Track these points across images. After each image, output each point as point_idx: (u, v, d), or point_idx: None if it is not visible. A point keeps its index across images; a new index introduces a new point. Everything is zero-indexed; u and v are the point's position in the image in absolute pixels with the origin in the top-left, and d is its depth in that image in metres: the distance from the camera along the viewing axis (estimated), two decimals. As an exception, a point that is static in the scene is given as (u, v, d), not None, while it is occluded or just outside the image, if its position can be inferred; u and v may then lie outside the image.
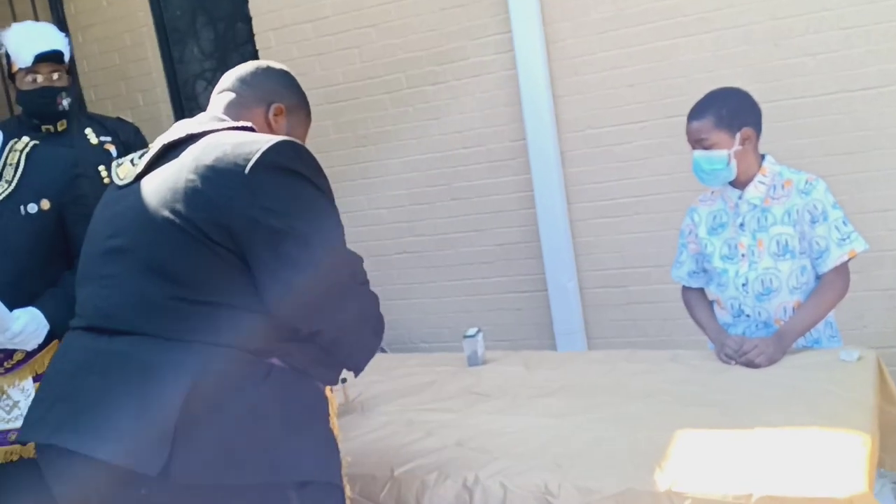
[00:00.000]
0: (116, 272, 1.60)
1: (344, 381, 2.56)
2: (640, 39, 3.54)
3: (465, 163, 3.99)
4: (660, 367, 2.43)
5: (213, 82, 4.61)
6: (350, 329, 1.65)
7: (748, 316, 2.41)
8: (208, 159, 1.55)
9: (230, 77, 1.82)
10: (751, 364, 2.25)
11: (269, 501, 1.57)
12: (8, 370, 2.48)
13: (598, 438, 2.00)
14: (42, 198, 2.54)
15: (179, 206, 1.53)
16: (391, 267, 4.23)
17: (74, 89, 3.32)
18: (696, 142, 2.38)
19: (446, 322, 4.17)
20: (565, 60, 3.69)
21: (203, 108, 4.69)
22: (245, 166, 1.52)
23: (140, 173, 1.64)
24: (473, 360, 2.69)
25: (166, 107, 4.61)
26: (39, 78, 3.19)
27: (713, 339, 2.45)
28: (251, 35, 4.34)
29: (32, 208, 2.56)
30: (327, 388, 1.76)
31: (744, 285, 2.39)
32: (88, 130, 3.40)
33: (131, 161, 1.67)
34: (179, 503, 1.51)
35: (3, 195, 2.55)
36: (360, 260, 1.67)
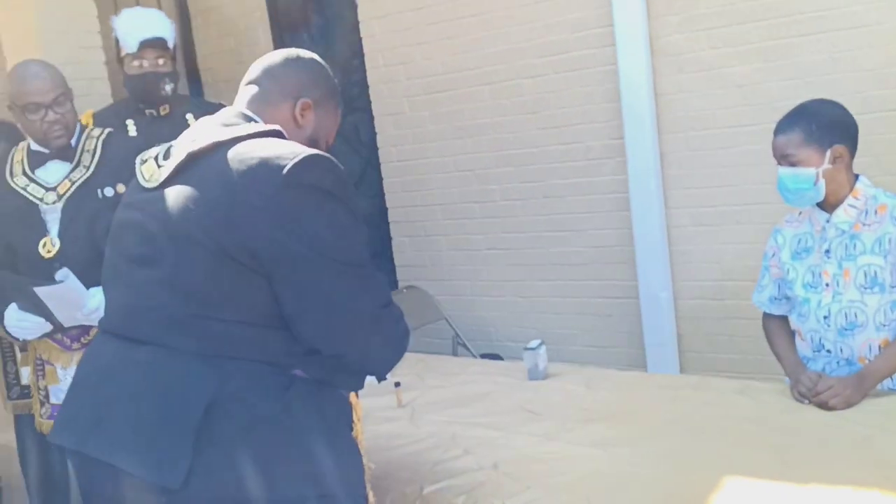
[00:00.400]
0: (141, 282, 1.59)
1: (397, 384, 2.52)
2: (751, 37, 3.29)
3: (560, 160, 3.85)
4: (726, 399, 2.25)
5: (319, 68, 4.66)
6: (370, 351, 1.60)
7: (829, 351, 2.19)
8: (233, 177, 1.51)
9: (258, 68, 1.76)
10: (824, 406, 2.05)
11: None
12: (84, 346, 2.60)
13: (638, 477, 1.87)
14: (118, 182, 2.63)
15: (204, 225, 1.51)
16: (480, 263, 4.16)
17: (177, 75, 3.39)
18: (782, 157, 2.17)
19: (533, 322, 4.07)
20: (670, 57, 3.48)
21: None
22: (270, 186, 1.48)
23: (166, 180, 1.63)
24: (534, 374, 2.59)
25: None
26: (145, 63, 3.29)
27: (788, 374, 2.25)
28: (357, 23, 4.34)
29: (109, 192, 2.65)
30: (352, 395, 1.72)
31: (826, 318, 2.17)
32: (189, 115, 3.48)
33: (156, 161, 1.66)
34: None
35: (82, 180, 2.65)
36: (382, 281, 1.60)
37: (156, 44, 3.31)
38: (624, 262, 3.77)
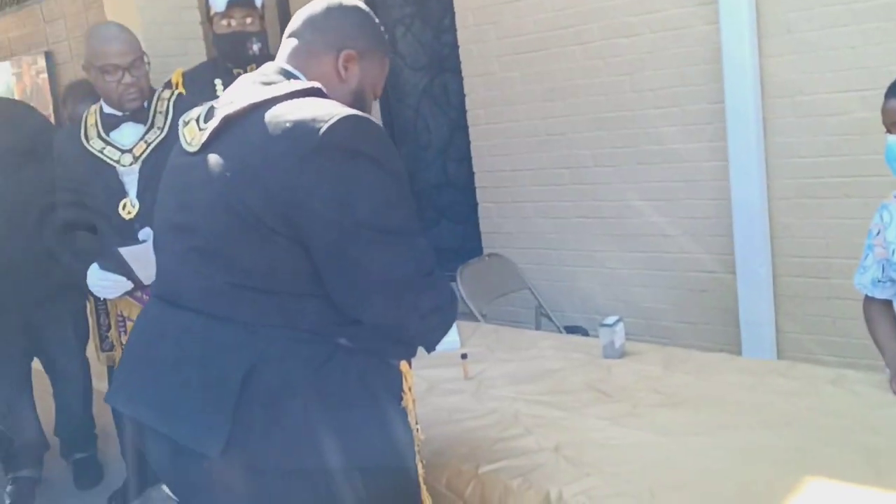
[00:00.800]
0: (182, 250, 1.56)
1: (464, 356, 2.44)
2: (868, -8, 2.99)
3: (656, 124, 3.64)
4: (815, 388, 2.07)
5: (410, 28, 4.57)
6: (411, 321, 1.53)
7: (937, 342, 1.97)
8: (268, 141, 1.44)
9: (299, 18, 1.66)
10: (927, 404, 1.85)
11: (332, 486, 1.49)
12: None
13: (708, 471, 1.73)
14: None
15: (238, 192, 1.45)
16: (570, 231, 4.00)
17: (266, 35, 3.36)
18: (893, 124, 1.95)
19: (621, 295, 3.89)
20: (777, 15, 3.20)
21: (400, 54, 4.64)
22: (304, 150, 1.40)
23: (204, 144, 1.57)
24: (609, 352, 2.45)
25: (366, 51, 4.63)
26: (233, 22, 3.27)
27: (889, 364, 2.04)
28: (448, -21, 4.21)
29: None
30: (403, 364, 1.63)
31: (934, 305, 1.95)
32: (278, 75, 3.46)
33: (198, 122, 1.60)
34: (240, 482, 1.48)
35: (157, 141, 2.65)
36: (425, 248, 1.50)
37: (244, 3, 3.29)
38: (721, 234, 3.55)
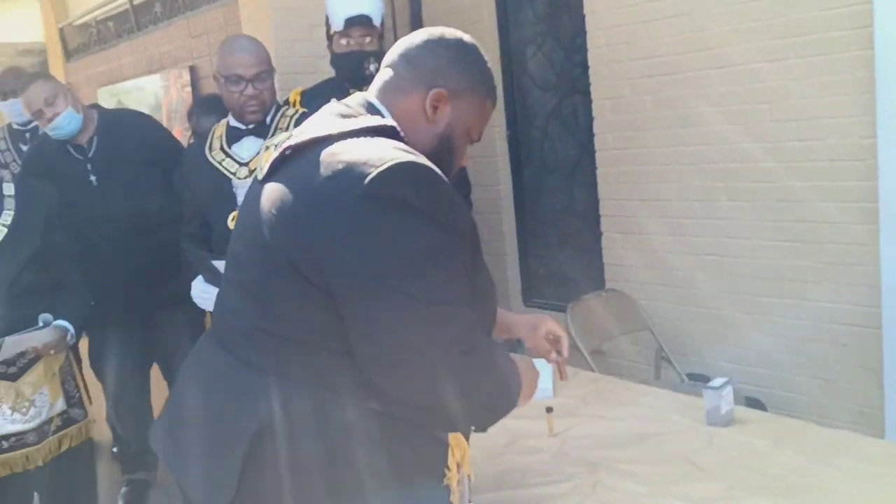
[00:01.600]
0: (232, 283, 1.51)
1: (549, 409, 2.25)
2: None
3: (798, 158, 3.29)
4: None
5: (541, 47, 4.40)
6: (444, 402, 1.33)
7: None
8: (316, 182, 1.34)
9: (397, 49, 1.54)
10: None
11: None
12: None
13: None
14: None
15: (277, 233, 1.36)
16: (697, 269, 3.70)
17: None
18: None
19: (752, 343, 3.55)
20: (944, 41, 2.82)
21: (529, 74, 4.47)
22: (348, 196, 1.29)
23: (266, 174, 1.49)
24: (713, 418, 2.20)
25: (496, 71, 4.49)
26: (351, 41, 3.25)
27: None
28: (581, -2, 4.01)
29: None
30: (454, 435, 1.46)
31: None
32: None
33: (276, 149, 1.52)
34: None
35: (282, 157, 2.65)
36: (464, 321, 1.32)
37: (362, 21, 3.25)
38: (867, 284, 3.16)
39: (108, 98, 5.75)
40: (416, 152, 1.39)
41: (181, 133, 4.73)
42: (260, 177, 1.50)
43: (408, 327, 1.27)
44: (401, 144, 1.41)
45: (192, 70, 5.02)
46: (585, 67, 4.03)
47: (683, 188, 3.70)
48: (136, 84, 5.48)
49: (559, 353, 1.96)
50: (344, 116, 1.46)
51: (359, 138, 1.40)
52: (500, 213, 4.60)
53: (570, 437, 2.20)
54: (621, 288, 3.86)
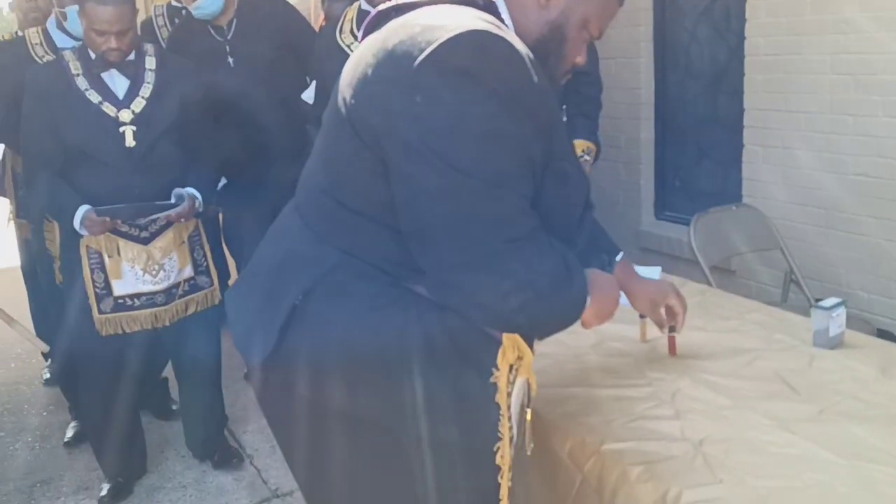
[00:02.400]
0: (315, 149, 1.51)
1: (643, 316, 2.17)
2: None
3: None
4: None
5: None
6: (486, 292, 1.26)
7: None
8: (388, 46, 1.31)
9: None
10: None
11: (382, 445, 1.39)
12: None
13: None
14: None
15: (350, 95, 1.35)
16: (842, 188, 3.41)
17: None
18: None
19: (893, 272, 3.29)
20: None
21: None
22: (413, 62, 1.25)
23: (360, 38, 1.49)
24: (820, 340, 2.06)
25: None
26: None
27: None
28: None
29: None
30: (508, 337, 1.37)
31: None
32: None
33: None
34: (278, 399, 1.47)
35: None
36: (518, 207, 1.26)
37: None
38: None
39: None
40: (505, 29, 1.34)
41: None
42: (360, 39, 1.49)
43: (451, 201, 1.22)
44: (488, 16, 1.35)
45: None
46: (742, -36, 3.74)
47: (836, 101, 3.40)
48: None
49: (672, 328, 1.94)
50: None
51: (448, 5, 1.35)
52: (639, 119, 4.41)
53: (661, 344, 2.12)
54: (759, 204, 3.64)
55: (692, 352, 2.07)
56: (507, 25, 1.39)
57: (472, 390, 1.36)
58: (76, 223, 2.73)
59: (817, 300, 3.30)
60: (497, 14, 1.40)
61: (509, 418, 1.41)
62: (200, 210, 2.94)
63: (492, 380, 1.37)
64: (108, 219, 2.73)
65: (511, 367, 1.40)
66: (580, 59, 1.49)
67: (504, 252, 1.24)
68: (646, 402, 1.82)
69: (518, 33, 1.38)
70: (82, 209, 2.72)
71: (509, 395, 1.40)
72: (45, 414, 3.81)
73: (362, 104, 1.32)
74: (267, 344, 1.36)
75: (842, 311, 2.06)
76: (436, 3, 1.37)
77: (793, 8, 3.48)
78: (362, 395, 1.35)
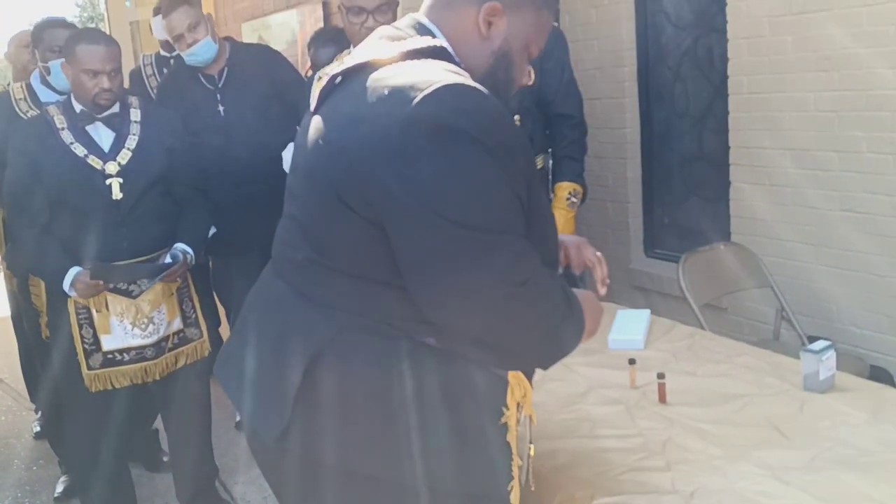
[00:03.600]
0: (286, 215, 1.52)
1: (632, 361, 2.18)
2: None
3: (953, 108, 2.97)
4: None
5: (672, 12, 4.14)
6: (498, 335, 1.32)
7: None
8: (361, 109, 1.31)
9: None
10: None
11: (390, 497, 1.38)
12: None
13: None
14: None
15: (324, 163, 1.36)
16: (829, 225, 3.40)
17: None
18: None
19: (884, 308, 3.27)
20: None
21: (664, 10, 4.23)
22: (393, 122, 1.25)
23: (317, 103, 1.48)
24: (811, 384, 2.05)
25: (629, 7, 4.29)
26: None
27: None
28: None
29: None
30: (514, 374, 1.41)
31: None
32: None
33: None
34: (296, 472, 1.44)
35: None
36: (521, 251, 1.28)
37: None
38: None
39: (250, 33, 5.91)
40: (465, 74, 1.35)
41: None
42: (312, 108, 1.48)
43: (456, 256, 1.23)
44: (450, 66, 1.36)
45: (325, 6, 5.08)
46: (723, 4, 3.77)
47: (821, 138, 3.42)
48: (276, 19, 5.61)
49: (661, 375, 2.04)
50: (393, 39, 1.42)
51: (408, 62, 1.36)
52: (626, 158, 4.43)
53: (651, 391, 2.11)
54: (748, 241, 3.64)
55: (682, 398, 2.06)
56: (458, 65, 1.40)
57: (484, 436, 1.37)
58: (66, 286, 2.70)
59: (809, 337, 3.31)
60: (448, 57, 1.40)
61: (520, 457, 1.43)
62: (192, 264, 2.94)
63: (503, 420, 1.39)
64: (100, 283, 2.71)
65: (518, 404, 1.42)
66: (526, 80, 1.52)
67: (516, 296, 1.26)
68: (636, 454, 1.81)
69: (468, 69, 1.39)
70: (72, 272, 2.68)
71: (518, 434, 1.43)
72: (34, 468, 3.76)
73: (346, 175, 1.31)
74: (283, 416, 1.36)
75: (831, 353, 2.05)
76: (389, 62, 1.36)
77: (775, 47, 3.51)
78: (377, 451, 1.34)
